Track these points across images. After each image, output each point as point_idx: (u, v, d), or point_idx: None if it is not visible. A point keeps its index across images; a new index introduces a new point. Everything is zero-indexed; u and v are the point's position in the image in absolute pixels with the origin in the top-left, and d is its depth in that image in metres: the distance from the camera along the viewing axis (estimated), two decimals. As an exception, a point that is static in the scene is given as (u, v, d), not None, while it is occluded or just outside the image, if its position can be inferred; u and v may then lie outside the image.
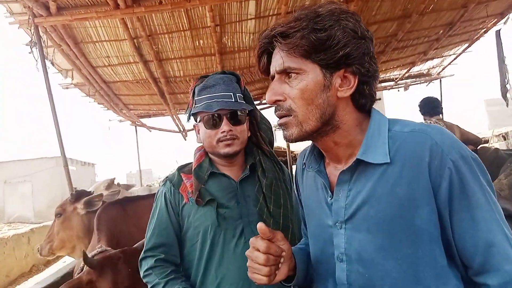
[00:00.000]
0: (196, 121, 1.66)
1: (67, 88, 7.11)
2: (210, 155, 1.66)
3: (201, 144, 1.67)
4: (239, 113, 1.57)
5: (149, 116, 9.24)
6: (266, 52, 1.05)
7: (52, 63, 5.89)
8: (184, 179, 1.60)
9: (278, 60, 0.99)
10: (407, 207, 0.91)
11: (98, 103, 7.96)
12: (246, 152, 1.70)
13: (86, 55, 5.81)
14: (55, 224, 3.86)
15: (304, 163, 1.15)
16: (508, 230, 0.90)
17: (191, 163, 1.67)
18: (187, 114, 1.69)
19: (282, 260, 1.05)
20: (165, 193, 1.61)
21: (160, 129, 10.62)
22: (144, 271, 1.53)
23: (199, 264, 1.51)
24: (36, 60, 4.61)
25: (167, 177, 1.68)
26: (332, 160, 1.08)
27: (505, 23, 6.93)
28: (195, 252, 1.53)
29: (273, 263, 1.02)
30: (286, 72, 0.98)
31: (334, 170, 1.07)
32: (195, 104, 1.61)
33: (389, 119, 1.02)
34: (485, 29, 7.38)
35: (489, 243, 0.87)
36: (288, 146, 10.43)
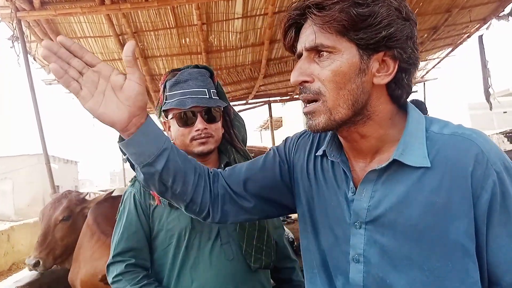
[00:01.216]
0: (167, 118, 1.56)
1: (50, 84, 7.00)
2: None
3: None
4: (213, 110, 1.49)
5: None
6: (294, 25, 0.91)
7: (35, 58, 5.78)
8: None
9: (310, 36, 0.86)
10: (443, 218, 0.82)
11: (82, 100, 7.85)
12: (220, 151, 1.63)
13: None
14: (57, 228, 3.20)
15: (325, 151, 1.01)
16: None
17: None
18: (157, 111, 1.61)
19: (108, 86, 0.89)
20: (134, 194, 1.51)
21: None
22: (113, 277, 1.44)
23: (172, 268, 1.43)
24: (18, 55, 4.53)
25: (135, 176, 1.53)
26: (353, 153, 0.97)
27: (487, 28, 7.08)
28: (167, 256, 1.45)
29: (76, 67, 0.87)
30: (317, 50, 0.85)
31: (356, 165, 0.97)
32: (166, 100, 1.53)
33: (426, 118, 0.92)
34: (468, 34, 7.51)
35: None
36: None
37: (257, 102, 9.61)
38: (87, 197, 3.43)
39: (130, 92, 0.88)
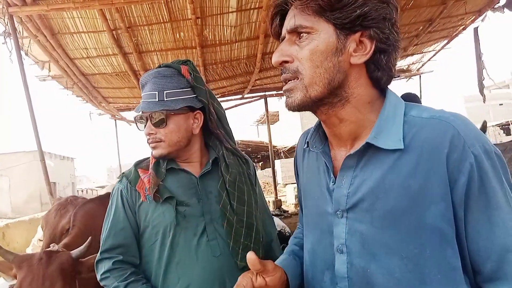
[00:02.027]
0: None
1: (44, 80, 6.96)
2: None
3: None
4: (162, 114, 1.43)
5: (129, 110, 9.11)
6: (280, 13, 0.95)
7: (27, 54, 5.74)
8: (141, 175, 1.50)
9: (291, 19, 0.89)
10: (420, 202, 0.81)
11: (77, 96, 7.82)
12: (210, 146, 1.60)
13: (63, 46, 5.69)
14: (63, 238, 2.67)
15: (307, 142, 1.04)
16: None
17: (148, 158, 1.58)
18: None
19: None
20: (121, 190, 1.50)
21: (140, 123, 10.49)
22: (101, 274, 1.43)
23: (158, 265, 1.42)
24: (10, 51, 4.49)
25: (123, 173, 1.57)
26: (335, 141, 0.98)
27: (482, 20, 7.07)
28: (154, 252, 1.44)
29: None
30: (297, 32, 0.88)
31: (338, 154, 0.97)
32: None
33: (405, 103, 0.92)
34: (463, 26, 7.51)
35: (506, 248, 0.79)
36: (270, 141, 10.47)
37: (253, 97, 9.59)
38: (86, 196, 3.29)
39: (273, 284, 0.99)
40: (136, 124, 1.51)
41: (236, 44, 6.36)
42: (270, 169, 11.47)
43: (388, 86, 0.94)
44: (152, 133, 1.45)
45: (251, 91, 8.92)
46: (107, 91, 7.77)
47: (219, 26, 5.73)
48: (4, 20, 4.37)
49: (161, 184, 1.45)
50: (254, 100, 9.80)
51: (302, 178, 1.13)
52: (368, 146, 0.87)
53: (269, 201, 11.15)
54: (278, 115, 27.58)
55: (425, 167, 0.81)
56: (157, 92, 1.44)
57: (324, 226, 0.96)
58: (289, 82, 0.90)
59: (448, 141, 0.80)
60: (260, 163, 31.34)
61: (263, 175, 21.74)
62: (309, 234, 1.05)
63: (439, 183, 0.80)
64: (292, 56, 0.89)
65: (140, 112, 1.46)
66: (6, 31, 4.45)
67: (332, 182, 0.94)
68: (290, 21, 0.89)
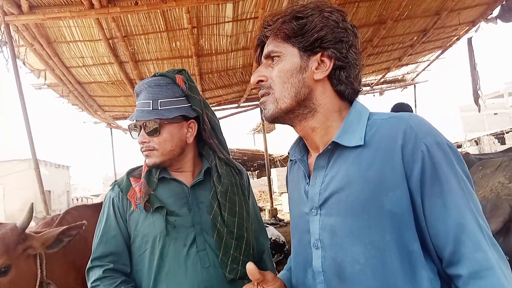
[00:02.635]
0: None
1: (40, 88, 6.96)
2: None
3: None
4: (155, 122, 1.43)
5: (125, 118, 9.11)
6: (261, 44, 1.12)
7: (24, 63, 5.75)
8: (133, 183, 1.49)
9: (266, 47, 1.07)
10: (378, 190, 0.90)
11: (72, 104, 7.81)
12: (203, 156, 1.59)
13: (59, 55, 5.70)
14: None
15: (289, 153, 1.17)
16: (483, 220, 0.87)
17: (141, 166, 1.57)
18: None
19: None
20: (113, 198, 1.50)
21: (136, 132, 10.48)
22: (92, 282, 1.42)
23: (148, 274, 1.42)
24: (7, 60, 4.50)
25: (115, 181, 1.58)
26: (312, 148, 1.10)
27: (476, 31, 7.15)
28: (144, 262, 1.43)
29: None
30: (270, 56, 1.05)
31: (314, 160, 1.06)
32: None
33: (371, 112, 1.04)
34: (457, 36, 7.60)
35: (460, 230, 0.84)
36: (266, 150, 10.48)
37: (249, 106, 9.62)
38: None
39: None
40: (130, 132, 1.51)
41: (232, 53, 6.40)
42: (266, 178, 11.47)
43: (356, 98, 1.08)
44: (145, 142, 1.44)
45: (247, 100, 8.95)
46: (102, 100, 7.77)
47: (215, 36, 5.76)
48: (0, 29, 4.38)
49: (152, 194, 1.45)
50: (250, 109, 9.83)
51: (289, 190, 1.23)
52: (335, 146, 0.99)
53: (264, 210, 11.11)
54: (274, 124, 27.60)
55: (381, 158, 0.91)
56: (151, 101, 1.44)
57: (302, 226, 1.05)
58: (264, 96, 1.06)
59: (401, 134, 0.90)
60: (256, 172, 31.30)
61: (259, 184, 21.70)
62: (293, 238, 1.13)
63: (395, 172, 0.89)
64: (266, 76, 1.05)
65: (134, 121, 1.46)
66: (2, 39, 4.46)
67: (307, 184, 1.05)
68: (266, 49, 1.08)
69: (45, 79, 6.61)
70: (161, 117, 1.43)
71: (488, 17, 6.74)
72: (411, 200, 0.89)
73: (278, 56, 1.03)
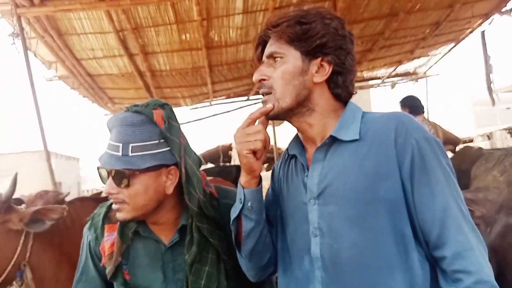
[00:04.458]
0: None
1: (51, 80, 7.00)
2: None
3: None
4: (128, 172, 1.17)
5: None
6: (262, 43, 1.19)
7: (35, 55, 5.78)
8: (105, 234, 1.31)
9: (269, 48, 1.14)
10: (374, 179, 0.99)
11: (83, 96, 7.86)
12: (184, 207, 1.31)
13: (70, 47, 5.72)
14: None
15: (287, 149, 1.25)
16: (464, 207, 0.99)
17: None
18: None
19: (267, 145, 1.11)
20: (90, 242, 1.35)
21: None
22: None
23: None
24: (19, 52, 4.52)
25: (93, 217, 1.40)
26: (308, 143, 1.18)
27: (490, 24, 7.02)
28: None
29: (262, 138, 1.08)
30: (273, 57, 1.12)
31: (311, 154, 1.15)
32: None
33: (364, 111, 1.14)
34: (470, 29, 7.47)
35: (445, 215, 0.95)
36: (275, 143, 10.45)
37: (258, 99, 9.58)
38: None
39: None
40: (99, 174, 1.25)
41: (242, 46, 6.36)
42: (274, 171, 11.41)
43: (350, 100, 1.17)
44: (113, 193, 1.18)
45: (257, 93, 8.90)
46: (113, 92, 7.80)
47: (225, 28, 5.74)
48: (12, 21, 4.40)
49: (119, 266, 1.27)
50: (260, 102, 9.78)
51: (280, 182, 1.27)
52: (333, 140, 1.08)
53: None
54: (283, 117, 27.45)
55: (376, 150, 1.01)
56: (121, 145, 1.18)
57: (300, 216, 1.11)
58: (266, 95, 1.13)
59: (394, 128, 1.01)
60: (265, 165, 31.31)
61: (267, 177, 21.67)
62: (288, 226, 1.18)
63: (389, 162, 0.99)
64: (268, 75, 1.12)
65: (100, 165, 1.21)
66: (15, 32, 4.48)
67: (306, 176, 1.12)
68: (268, 49, 1.14)
69: (56, 71, 6.65)
70: (130, 167, 1.17)
71: (503, 10, 6.61)
72: (402, 188, 0.99)
73: (281, 58, 1.11)
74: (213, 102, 8.98)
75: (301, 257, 1.10)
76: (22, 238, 1.97)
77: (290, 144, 1.25)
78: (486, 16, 6.88)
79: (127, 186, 1.18)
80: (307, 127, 1.14)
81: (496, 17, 6.82)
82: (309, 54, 1.10)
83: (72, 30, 5.33)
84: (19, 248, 1.95)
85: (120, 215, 1.21)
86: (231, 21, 5.57)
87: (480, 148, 4.73)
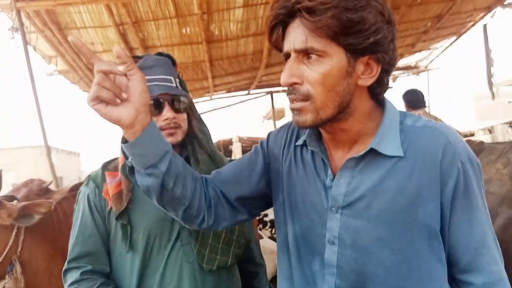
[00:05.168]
0: None
1: (51, 75, 6.98)
2: None
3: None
4: (181, 99, 1.37)
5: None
6: (281, 24, 0.93)
7: (35, 49, 5.76)
8: (107, 179, 1.37)
9: (299, 37, 0.88)
10: (413, 202, 0.90)
11: (83, 91, 7.83)
12: (184, 146, 1.47)
13: (70, 41, 5.69)
14: None
15: (305, 141, 1.06)
16: (495, 236, 0.95)
17: (116, 158, 1.45)
18: None
19: (124, 95, 0.88)
20: (88, 195, 1.39)
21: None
22: (69, 286, 1.33)
23: (131, 274, 1.33)
24: (18, 46, 4.51)
25: (89, 175, 1.46)
26: (333, 144, 1.03)
27: (492, 17, 6.98)
28: (125, 260, 1.34)
29: (109, 87, 0.85)
30: (306, 52, 0.88)
31: (335, 154, 1.03)
32: None
33: (399, 112, 0.99)
34: (472, 22, 7.42)
35: (481, 244, 0.91)
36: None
37: (259, 93, 9.56)
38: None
39: (134, 89, 0.89)
40: (153, 105, 1.33)
41: (243, 39, 6.33)
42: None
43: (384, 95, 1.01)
44: (172, 117, 1.34)
45: (257, 87, 8.89)
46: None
47: (225, 22, 5.71)
48: (12, 15, 4.38)
49: (124, 210, 1.32)
50: (260, 96, 9.78)
51: (286, 171, 1.12)
52: (370, 151, 0.93)
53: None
54: (284, 111, 27.51)
55: (419, 171, 0.90)
56: (172, 78, 1.39)
57: (316, 218, 1.01)
58: (299, 102, 0.91)
59: (441, 148, 0.90)
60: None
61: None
62: (296, 220, 1.08)
63: (432, 185, 0.90)
64: (302, 78, 0.89)
65: (157, 94, 1.32)
66: (14, 26, 4.46)
67: (330, 180, 1.00)
68: (298, 39, 0.88)
69: (57, 66, 6.63)
70: (187, 95, 1.41)
71: (505, 3, 6.56)
72: (441, 212, 0.91)
73: (321, 56, 0.87)
74: (213, 96, 8.96)
75: (312, 255, 1.03)
76: (14, 232, 1.98)
77: (307, 135, 1.06)
78: (489, 9, 6.83)
79: (183, 111, 1.38)
80: (339, 132, 0.98)
81: (498, 10, 6.77)
82: (356, 52, 0.88)
83: (72, 24, 5.30)
84: (10, 243, 1.96)
85: (174, 138, 1.35)
86: (231, 14, 5.54)
87: (482, 142, 4.73)
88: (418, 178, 0.90)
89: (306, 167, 1.07)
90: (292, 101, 0.93)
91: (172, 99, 1.35)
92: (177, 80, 1.41)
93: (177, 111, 1.36)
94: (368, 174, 0.94)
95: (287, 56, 0.93)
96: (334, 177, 0.99)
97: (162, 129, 1.33)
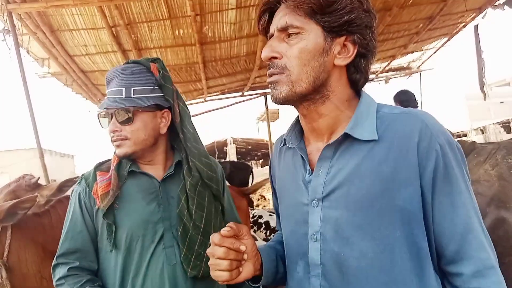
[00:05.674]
0: None
1: (44, 77, 6.95)
2: None
3: None
4: (128, 111, 1.37)
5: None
6: (269, 10, 1.02)
7: (28, 52, 5.73)
8: (98, 178, 1.42)
9: (282, 18, 0.95)
10: (391, 186, 0.89)
11: (76, 93, 7.80)
12: (175, 149, 1.55)
13: (62, 43, 5.67)
14: None
15: (284, 139, 1.11)
16: (482, 220, 0.92)
17: (110, 160, 1.52)
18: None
19: (245, 257, 1.00)
20: (79, 193, 1.45)
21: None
22: (57, 281, 1.38)
23: (115, 273, 1.37)
24: (10, 49, 4.48)
25: (83, 175, 1.52)
26: (312, 135, 1.05)
27: (483, 17, 7.04)
28: (110, 259, 1.39)
29: (233, 258, 0.96)
30: (287, 31, 0.95)
31: (314, 148, 1.04)
32: None
33: (378, 103, 1.02)
34: (463, 23, 7.49)
35: (467, 229, 0.88)
36: (270, 139, 10.46)
37: (252, 94, 9.57)
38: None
39: (249, 249, 1.02)
40: (99, 121, 1.44)
41: (236, 41, 6.33)
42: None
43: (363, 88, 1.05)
44: (117, 130, 1.39)
45: (251, 89, 8.89)
46: (106, 89, 7.74)
47: (218, 23, 5.71)
48: (3, 17, 4.36)
49: (110, 208, 1.38)
50: (254, 98, 9.79)
51: (278, 179, 1.17)
52: (345, 137, 0.95)
53: (268, 199, 11.13)
54: (278, 113, 27.55)
55: (396, 154, 0.90)
56: (124, 88, 1.39)
57: (298, 217, 1.01)
58: (276, 75, 0.96)
59: (417, 131, 0.90)
60: (260, 161, 31.32)
61: (263, 173, 21.73)
62: (284, 228, 1.10)
63: (409, 168, 0.89)
64: (281, 53, 0.95)
65: (104, 109, 1.40)
66: (5, 28, 4.44)
67: (309, 174, 1.01)
68: (281, 19, 0.96)
69: (49, 68, 6.60)
70: (134, 105, 1.38)
71: (496, 4, 6.63)
72: (421, 197, 0.90)
73: (298, 33, 0.94)
74: (207, 98, 8.95)
75: (295, 263, 1.03)
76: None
77: (288, 133, 1.11)
78: (479, 10, 6.89)
79: (130, 123, 1.38)
80: (316, 116, 1.00)
81: (489, 11, 6.84)
82: (333, 31, 0.93)
83: (65, 26, 5.28)
84: None
85: (121, 151, 1.40)
86: (224, 16, 5.54)
87: (474, 142, 4.76)
88: (394, 161, 0.90)
89: (288, 168, 1.10)
90: (270, 75, 0.98)
91: (115, 112, 1.38)
92: (136, 89, 1.40)
93: (122, 123, 1.39)
94: (346, 161, 0.95)
95: (272, 37, 1.00)
96: (312, 171, 1.01)
97: (112, 141, 1.41)
